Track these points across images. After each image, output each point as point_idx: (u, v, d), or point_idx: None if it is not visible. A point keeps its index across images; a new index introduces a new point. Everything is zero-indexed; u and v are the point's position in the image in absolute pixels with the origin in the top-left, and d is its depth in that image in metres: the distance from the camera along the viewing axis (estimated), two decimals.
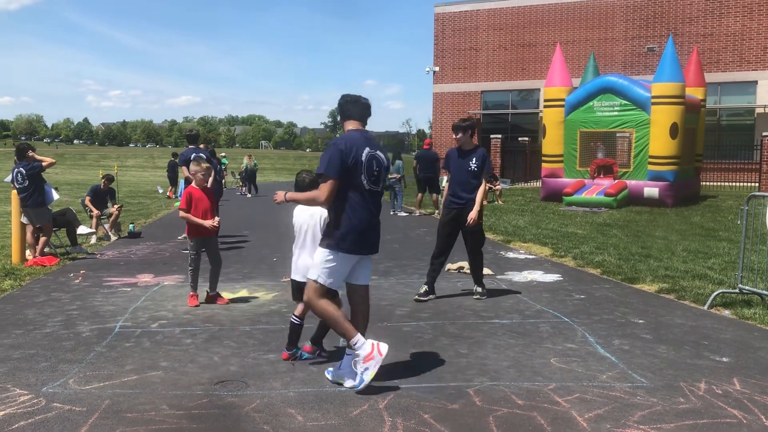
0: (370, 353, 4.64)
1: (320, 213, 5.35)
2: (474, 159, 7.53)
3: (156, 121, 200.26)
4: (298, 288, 5.36)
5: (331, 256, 4.75)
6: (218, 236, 7.93)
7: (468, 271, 9.31)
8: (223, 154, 36.48)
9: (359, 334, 4.75)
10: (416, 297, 7.64)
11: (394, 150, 20.31)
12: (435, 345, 5.82)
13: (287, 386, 4.76)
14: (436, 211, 18.03)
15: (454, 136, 7.68)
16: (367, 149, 4.79)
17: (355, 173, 4.71)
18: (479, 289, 7.80)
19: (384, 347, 4.69)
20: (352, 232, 4.74)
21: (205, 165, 7.52)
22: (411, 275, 9.19)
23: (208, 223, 7.23)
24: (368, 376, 4.60)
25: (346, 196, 4.73)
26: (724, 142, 28.94)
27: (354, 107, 4.95)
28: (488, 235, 13.60)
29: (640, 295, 7.91)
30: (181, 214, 7.31)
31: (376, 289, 8.24)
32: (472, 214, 7.44)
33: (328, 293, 4.90)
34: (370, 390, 4.64)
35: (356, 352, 4.68)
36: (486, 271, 9.27)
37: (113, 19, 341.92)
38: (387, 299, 7.65)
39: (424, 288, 7.71)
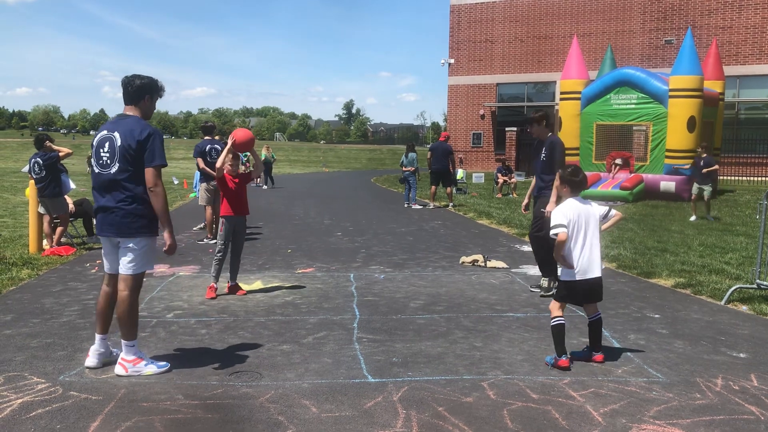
0: (134, 360, 4.85)
1: (597, 208, 5.18)
2: (544, 149, 7.42)
3: (171, 112, 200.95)
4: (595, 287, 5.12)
5: None
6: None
7: (482, 264, 9.31)
8: None
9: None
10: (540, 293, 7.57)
11: (407, 142, 20.26)
12: (449, 338, 5.81)
13: (301, 377, 4.77)
14: (450, 204, 17.99)
15: (527, 131, 7.65)
16: (103, 132, 4.88)
17: None
18: (544, 284, 7.55)
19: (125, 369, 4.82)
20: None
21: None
22: (425, 268, 9.18)
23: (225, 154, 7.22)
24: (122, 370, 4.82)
25: None
26: (742, 136, 28.68)
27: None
28: (503, 229, 13.58)
29: (656, 290, 7.86)
30: (219, 174, 7.32)
31: (390, 281, 8.24)
32: (549, 207, 7.10)
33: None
34: (383, 382, 4.66)
35: (126, 352, 4.85)
36: (500, 264, 9.26)
37: (129, 11, 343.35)
38: (401, 292, 7.65)
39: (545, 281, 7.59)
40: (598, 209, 5.17)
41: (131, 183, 4.76)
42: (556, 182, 7.30)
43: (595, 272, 5.07)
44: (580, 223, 5.05)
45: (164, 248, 4.85)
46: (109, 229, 4.82)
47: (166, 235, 4.84)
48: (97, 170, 4.87)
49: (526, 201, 8.03)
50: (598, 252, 5.09)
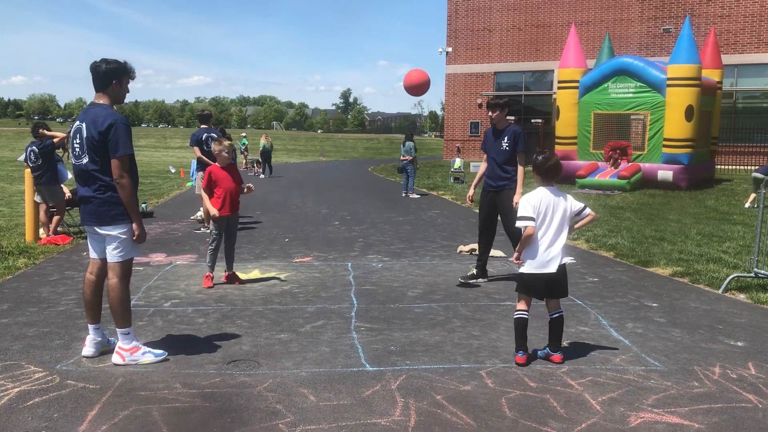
0: (132, 349, 4.85)
1: (571, 203, 4.93)
2: (506, 138, 7.28)
3: (168, 101, 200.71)
4: (553, 283, 4.89)
5: None
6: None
7: None
8: (243, 134, 36.51)
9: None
10: (461, 280, 7.53)
11: (406, 131, 20.20)
12: (447, 327, 5.80)
13: (299, 366, 4.77)
14: None
15: (489, 114, 7.34)
16: (76, 122, 4.81)
17: None
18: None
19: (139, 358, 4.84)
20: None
21: (226, 143, 7.49)
22: (423, 257, 9.17)
23: (213, 211, 7.20)
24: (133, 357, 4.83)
25: None
26: (739, 125, 28.64)
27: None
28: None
29: (654, 279, 7.86)
30: (203, 195, 7.31)
31: (387, 270, 8.24)
32: (516, 198, 7.20)
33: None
34: (381, 371, 4.66)
35: (122, 341, 4.84)
36: (498, 253, 9.25)
37: None
38: (399, 281, 7.64)
39: (472, 271, 7.65)
40: (571, 204, 4.91)
41: (101, 173, 4.70)
42: (522, 172, 7.33)
43: (551, 268, 4.81)
44: (547, 214, 4.82)
45: (133, 238, 4.82)
46: (90, 218, 4.80)
47: (134, 225, 4.80)
48: (72, 161, 4.84)
49: (471, 192, 7.85)
50: (560, 247, 4.85)
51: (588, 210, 4.99)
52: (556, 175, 4.96)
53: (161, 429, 3.75)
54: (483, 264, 7.66)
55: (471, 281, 7.52)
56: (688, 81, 18.42)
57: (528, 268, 4.87)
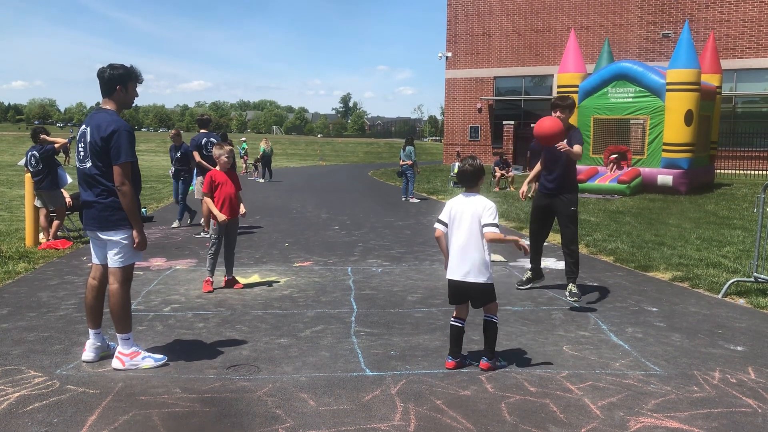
0: (132, 354, 4.86)
1: (482, 203, 4.79)
2: (565, 141, 6.69)
3: (168, 105, 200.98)
4: (462, 291, 4.86)
5: None
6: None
7: None
8: (243, 138, 36.50)
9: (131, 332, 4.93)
10: (518, 286, 7.48)
11: (407, 136, 20.20)
12: (447, 331, 5.75)
13: (299, 371, 4.77)
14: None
15: (556, 115, 6.81)
16: (82, 126, 4.83)
17: None
18: (574, 290, 6.84)
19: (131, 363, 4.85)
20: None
21: (228, 147, 7.52)
22: (423, 261, 9.17)
23: (221, 217, 7.22)
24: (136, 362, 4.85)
25: None
26: (739, 130, 28.67)
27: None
28: (500, 222, 13.56)
29: (654, 283, 7.86)
30: (205, 199, 7.40)
31: (387, 274, 8.24)
32: (563, 145, 6.57)
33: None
34: (381, 376, 4.65)
35: (122, 346, 4.86)
36: (498, 257, 9.25)
37: (126, 3, 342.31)
38: (399, 285, 7.64)
39: (527, 275, 7.53)
40: (483, 213, 4.73)
41: (104, 178, 4.71)
42: (578, 149, 6.75)
43: (454, 275, 4.79)
44: (454, 220, 4.84)
45: (134, 245, 4.81)
46: (92, 223, 4.81)
47: (134, 232, 4.78)
48: (77, 165, 4.87)
49: (525, 188, 7.38)
50: (468, 257, 4.74)
51: (488, 228, 4.71)
52: (467, 181, 4.92)
53: None
54: (537, 266, 7.48)
55: (526, 286, 7.46)
56: (687, 86, 18.45)
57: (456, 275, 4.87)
